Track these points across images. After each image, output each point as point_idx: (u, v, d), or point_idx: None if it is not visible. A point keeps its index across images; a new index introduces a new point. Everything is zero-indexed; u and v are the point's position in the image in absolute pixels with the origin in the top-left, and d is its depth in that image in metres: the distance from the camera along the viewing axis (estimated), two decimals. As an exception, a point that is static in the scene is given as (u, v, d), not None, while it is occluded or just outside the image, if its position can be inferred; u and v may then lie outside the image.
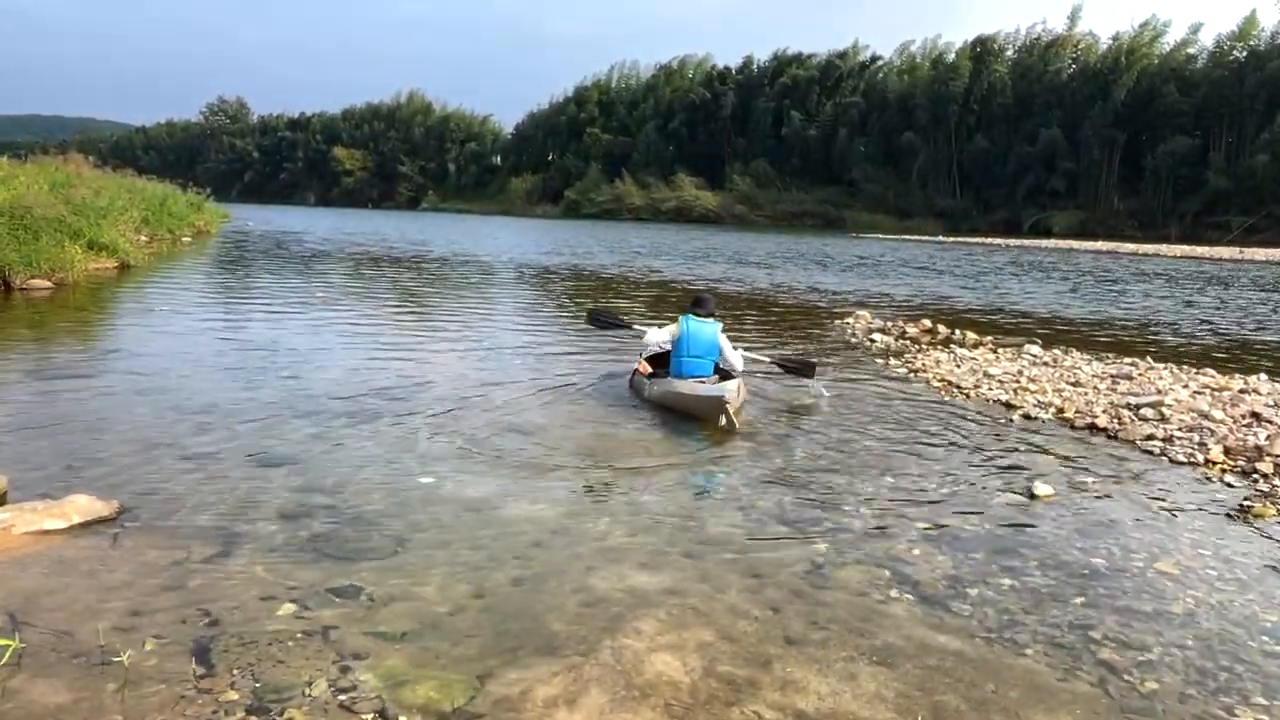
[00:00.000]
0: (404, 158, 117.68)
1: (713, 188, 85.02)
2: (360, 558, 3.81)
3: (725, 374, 7.24)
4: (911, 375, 8.58)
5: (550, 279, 19.50)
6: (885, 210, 74.43)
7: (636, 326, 8.14)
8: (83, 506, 4.00)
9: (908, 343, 10.73)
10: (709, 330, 7.20)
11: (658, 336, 7.35)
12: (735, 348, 7.49)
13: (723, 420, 6.14)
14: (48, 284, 12.80)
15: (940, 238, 57.40)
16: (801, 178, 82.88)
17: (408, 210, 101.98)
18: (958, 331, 11.62)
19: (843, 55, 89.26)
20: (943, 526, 4.51)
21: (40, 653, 2.95)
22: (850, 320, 12.53)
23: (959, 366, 8.91)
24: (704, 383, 6.88)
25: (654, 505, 4.68)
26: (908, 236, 58.43)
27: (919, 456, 5.75)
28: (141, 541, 3.86)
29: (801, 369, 7.74)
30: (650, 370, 7.31)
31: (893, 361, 9.28)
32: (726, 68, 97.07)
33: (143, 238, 21.63)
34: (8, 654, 2.91)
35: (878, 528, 4.45)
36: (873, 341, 10.72)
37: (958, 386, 7.97)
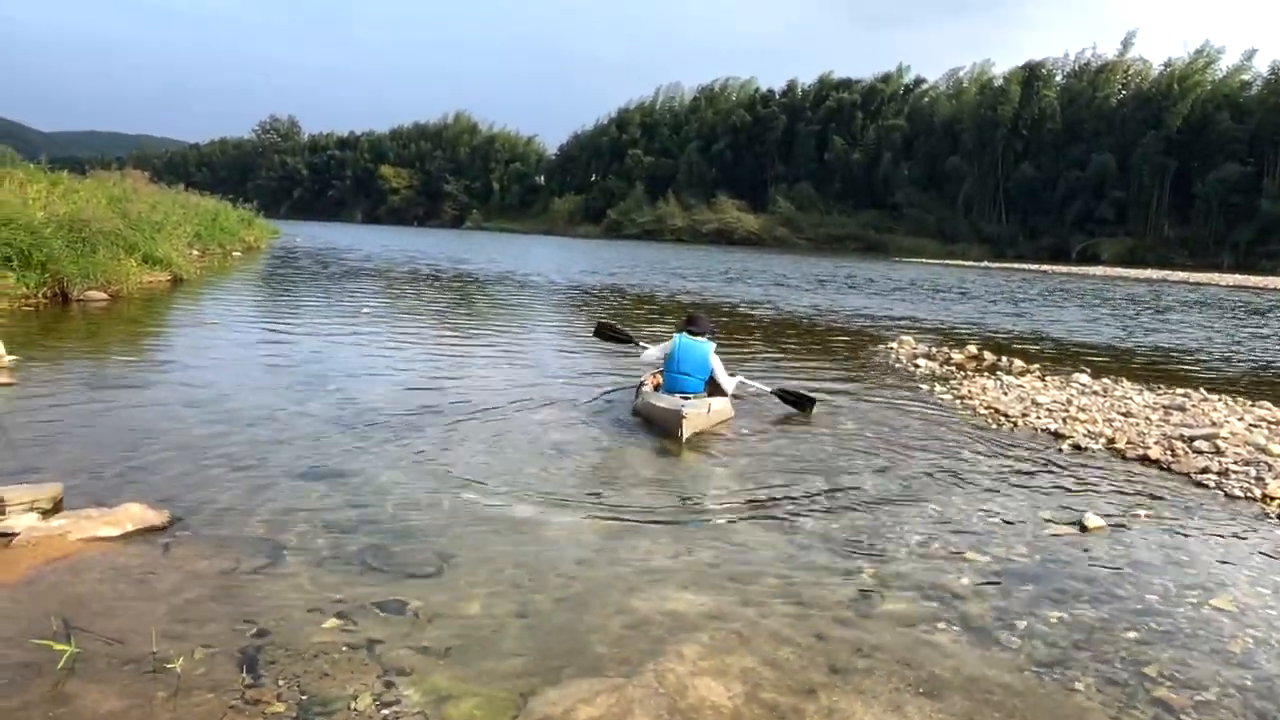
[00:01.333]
0: (449, 177, 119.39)
1: (755, 210, 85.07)
2: (404, 573, 3.84)
3: (719, 392, 7.38)
4: (957, 402, 8.47)
5: (591, 298, 19.58)
6: (929, 235, 73.90)
7: (641, 344, 8.29)
8: (135, 515, 4.08)
9: (953, 369, 10.59)
10: (700, 349, 7.32)
11: (653, 354, 7.57)
12: (733, 373, 7.65)
13: (679, 434, 6.33)
14: (104, 295, 13.14)
15: (985, 264, 56.75)
16: (844, 201, 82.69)
17: (452, 229, 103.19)
18: (1004, 358, 11.47)
19: (887, 79, 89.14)
20: (991, 557, 4.43)
21: (94, 659, 3.01)
22: (894, 345, 12.41)
23: (1006, 394, 8.78)
24: (689, 399, 6.97)
25: (696, 528, 4.67)
26: (952, 262, 57.85)
27: (966, 485, 5.67)
28: (192, 551, 3.93)
29: (799, 402, 7.71)
30: (656, 384, 7.48)
31: (938, 388, 9.17)
32: (770, 91, 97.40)
33: (194, 252, 22.17)
34: (64, 659, 2.97)
35: (924, 557, 4.39)
36: (917, 367, 10.61)
37: (1005, 414, 7.85)
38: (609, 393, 8.08)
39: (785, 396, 7.81)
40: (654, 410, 6.85)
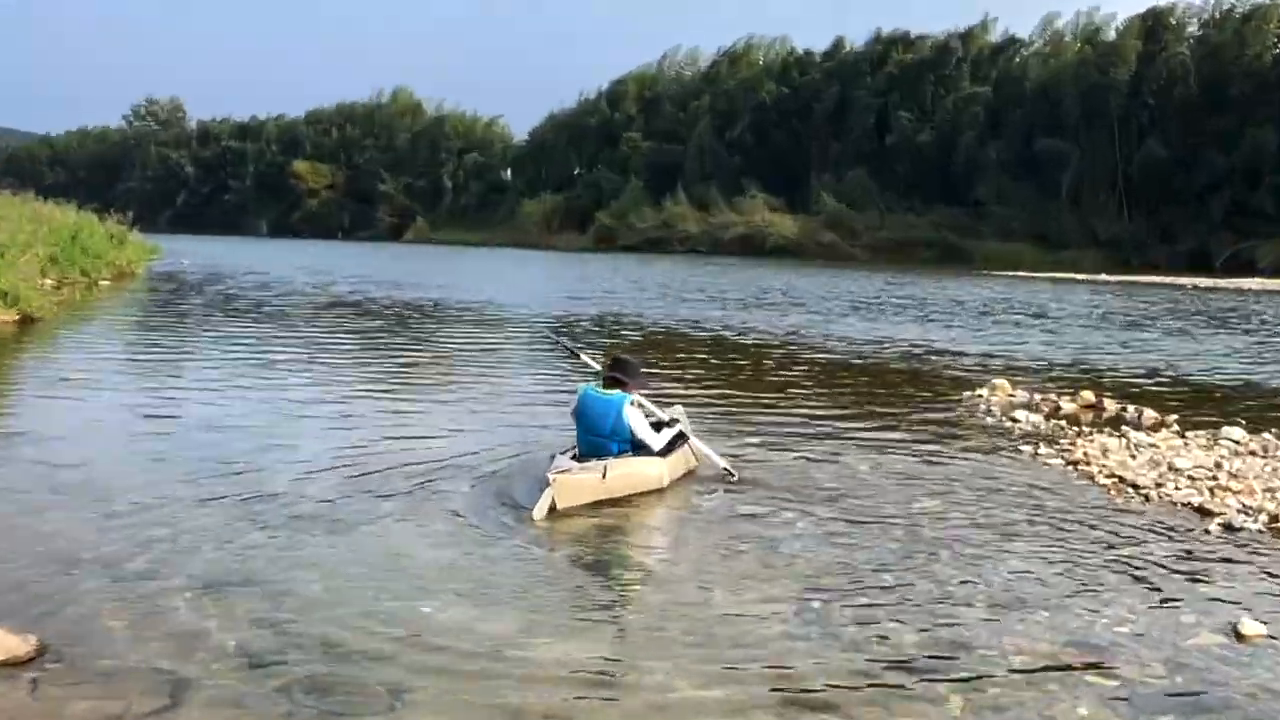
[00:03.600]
0: (385, 173, 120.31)
1: (792, 210, 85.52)
2: (347, 713, 3.91)
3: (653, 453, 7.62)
4: (1070, 469, 8.55)
5: (576, 334, 19.75)
6: (1025, 238, 74.07)
7: (585, 355, 8.92)
8: (-8, 643, 4.16)
9: (1063, 423, 10.69)
10: (608, 404, 7.53)
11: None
12: (674, 420, 7.98)
13: (534, 506, 6.61)
14: (-69, 344, 13.32)
15: (1102, 276, 57.03)
16: (911, 196, 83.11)
17: (390, 241, 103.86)
18: (1130, 408, 11.55)
19: (966, 35, 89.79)
20: (1117, 676, 4.50)
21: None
22: (984, 392, 12.52)
23: (1134, 456, 8.87)
24: (605, 463, 7.24)
25: (726, 638, 4.75)
26: (1058, 274, 58.15)
27: (1083, 581, 5.74)
28: (67, 690, 4.01)
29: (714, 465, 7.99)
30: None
31: (1043, 449, 9.26)
32: (809, 52, 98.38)
33: (49, 282, 22.39)
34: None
35: (1029, 676, 4.46)
36: (1015, 421, 10.71)
37: (1133, 485, 7.93)
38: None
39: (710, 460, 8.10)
40: (545, 475, 7.07)
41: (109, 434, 8.88)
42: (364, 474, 7.65)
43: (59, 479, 7.18)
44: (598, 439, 7.51)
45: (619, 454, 7.48)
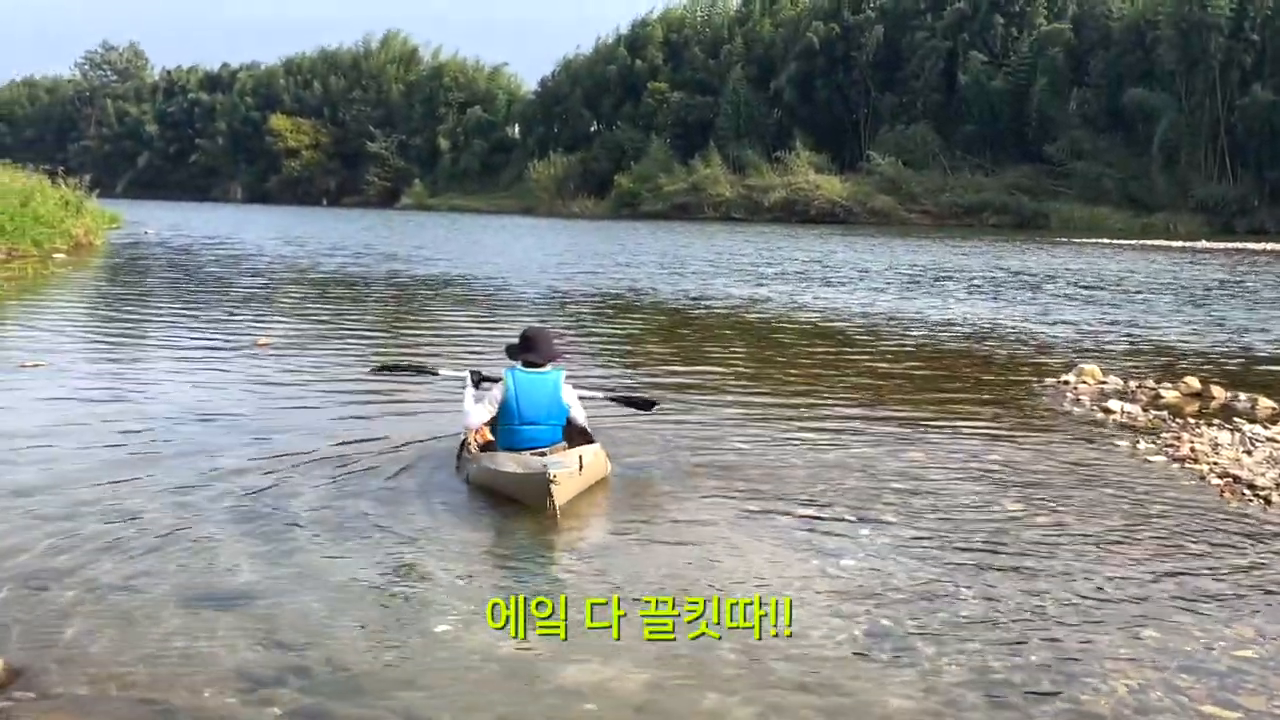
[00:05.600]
0: (375, 131, 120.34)
1: (839, 170, 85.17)
2: (356, 747, 3.94)
3: (585, 437, 7.83)
4: (1174, 466, 8.49)
5: (599, 311, 19.74)
6: (1110, 201, 73.67)
7: (443, 371, 8.97)
8: (-44, 668, 4.19)
9: (1164, 414, 10.61)
10: (546, 384, 7.66)
11: (476, 409, 7.74)
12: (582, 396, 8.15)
13: (547, 505, 6.71)
14: None
15: (1201, 244, 56.60)
16: (979, 152, 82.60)
17: (382, 208, 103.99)
18: (1242, 396, 11.46)
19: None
20: (1239, 707, 4.45)
21: None
22: (1070, 379, 12.43)
23: (1249, 452, 8.79)
24: (547, 454, 7.35)
25: (783, 661, 4.73)
26: (1149, 241, 57.75)
27: (1195, 598, 5.69)
28: None
29: (636, 404, 8.84)
30: (486, 440, 7.88)
31: (1143, 444, 9.20)
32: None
33: (-3, 255, 22.61)
34: None
35: (1136, 704, 4.43)
36: (1108, 412, 10.64)
37: (1250, 485, 7.85)
38: (640, 462, 8.22)
39: (618, 398, 8.99)
40: (501, 477, 7.22)
41: (73, 428, 8.88)
42: (359, 471, 7.71)
43: (19, 479, 7.22)
44: (536, 427, 7.59)
45: (554, 441, 7.63)
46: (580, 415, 7.87)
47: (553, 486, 6.69)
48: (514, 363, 7.79)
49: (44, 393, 10.42)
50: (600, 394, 8.82)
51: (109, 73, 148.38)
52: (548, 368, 7.74)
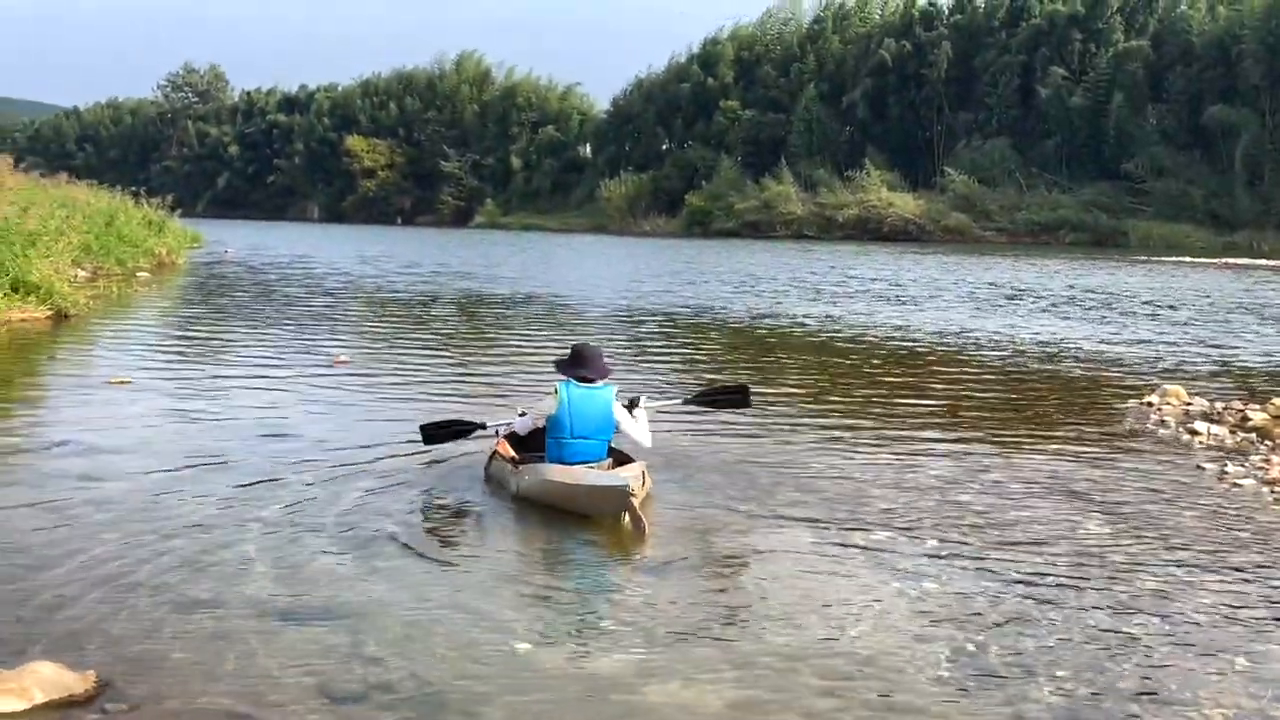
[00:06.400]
0: (449, 151, 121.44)
1: (912, 187, 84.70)
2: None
3: (621, 458, 7.91)
4: (1264, 490, 8.33)
5: (673, 329, 19.75)
6: (1191, 219, 72.48)
7: (490, 425, 8.47)
8: (48, 679, 4.24)
9: (1252, 437, 10.42)
10: (599, 401, 7.73)
11: (521, 422, 8.01)
12: (636, 414, 8.13)
13: (625, 519, 6.79)
14: (-42, 343, 13.74)
15: (1285, 262, 55.59)
16: (1055, 169, 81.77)
17: (456, 228, 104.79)
18: (1334, 417, 11.23)
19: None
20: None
21: None
22: (1154, 400, 12.24)
23: (1342, 476, 8.61)
24: (595, 469, 7.51)
25: (867, 684, 4.68)
26: (1232, 260, 56.78)
27: (1290, 625, 5.58)
28: (129, 732, 4.09)
29: (729, 398, 9.16)
30: (513, 454, 7.92)
31: (1231, 467, 9.03)
32: (932, 4, 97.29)
33: (82, 273, 23.02)
34: None
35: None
36: (1194, 434, 10.45)
37: (1347, 511, 7.71)
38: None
39: (707, 400, 9.14)
40: (571, 490, 7.21)
41: (156, 442, 9.04)
42: (437, 490, 7.81)
43: (105, 493, 7.34)
44: (587, 441, 7.66)
45: (600, 457, 7.74)
46: (635, 431, 7.95)
47: (633, 500, 6.77)
48: (564, 377, 7.87)
49: (128, 409, 10.59)
50: (678, 404, 8.92)
51: (190, 94, 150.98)
52: (600, 384, 7.82)
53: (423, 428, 8.40)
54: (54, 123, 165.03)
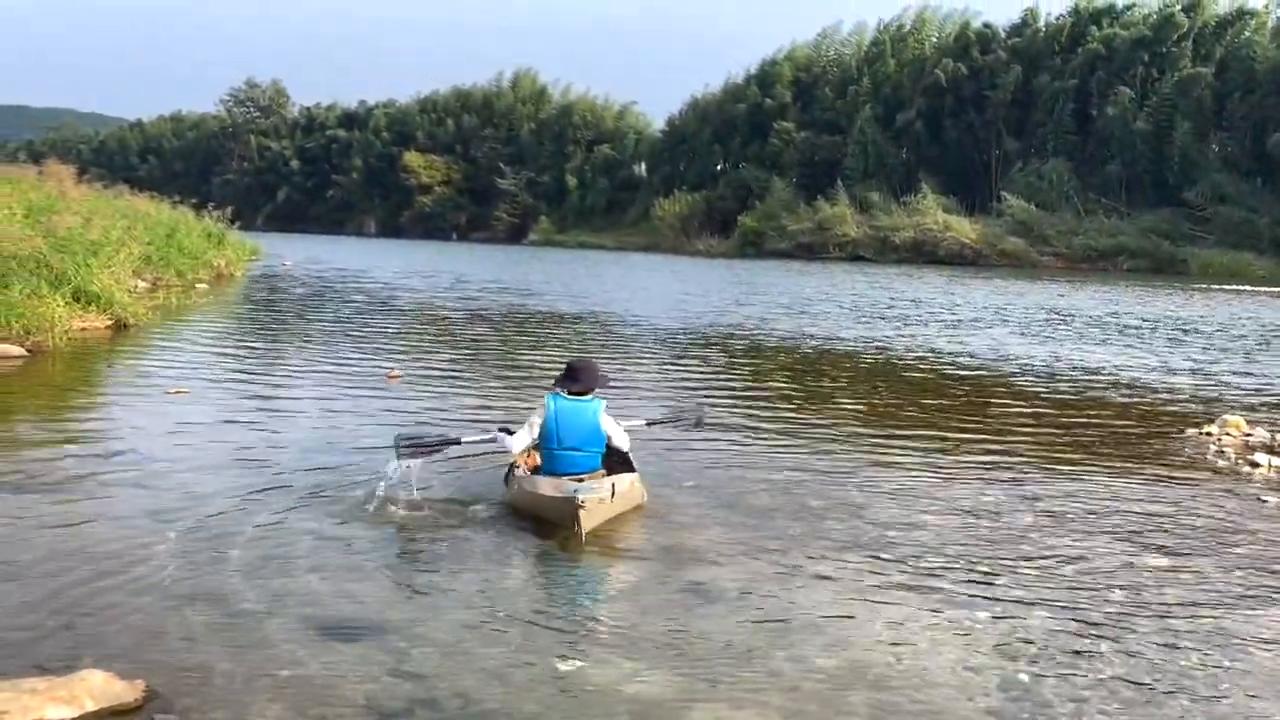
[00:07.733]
0: (505, 167, 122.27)
1: (969, 211, 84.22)
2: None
3: (626, 465, 8.11)
4: (1324, 523, 8.18)
5: (722, 348, 19.71)
6: (1254, 247, 71.56)
7: (467, 439, 8.36)
8: (97, 688, 4.28)
9: (1313, 469, 10.26)
10: (585, 413, 7.88)
11: (521, 438, 7.93)
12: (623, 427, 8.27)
13: (575, 528, 6.96)
14: (20, 351, 13.93)
15: (1348, 292, 54.75)
16: (1114, 195, 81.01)
17: (510, 244, 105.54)
18: (1401, 451, 11.03)
19: (1193, 6, 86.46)
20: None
21: None
22: (1213, 430, 12.06)
23: (1404, 511, 8.44)
24: (583, 480, 7.59)
25: (917, 711, 4.63)
26: (1293, 290, 56.04)
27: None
28: (177, 744, 4.11)
29: (683, 423, 9.35)
30: (534, 465, 8.11)
31: (1292, 500, 8.90)
32: (989, 26, 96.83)
33: (142, 283, 23.33)
34: None
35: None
36: (1254, 466, 10.30)
37: None
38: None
39: (663, 423, 9.26)
40: (535, 499, 7.49)
41: (213, 454, 9.12)
42: (492, 502, 7.87)
43: (161, 503, 7.43)
44: (575, 453, 7.80)
45: (593, 468, 7.87)
46: (623, 443, 8.07)
47: (581, 512, 6.93)
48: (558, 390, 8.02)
49: (185, 419, 10.68)
50: (642, 423, 8.96)
51: (252, 109, 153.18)
52: (589, 396, 7.96)
53: (397, 438, 8.21)
54: (118, 135, 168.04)
